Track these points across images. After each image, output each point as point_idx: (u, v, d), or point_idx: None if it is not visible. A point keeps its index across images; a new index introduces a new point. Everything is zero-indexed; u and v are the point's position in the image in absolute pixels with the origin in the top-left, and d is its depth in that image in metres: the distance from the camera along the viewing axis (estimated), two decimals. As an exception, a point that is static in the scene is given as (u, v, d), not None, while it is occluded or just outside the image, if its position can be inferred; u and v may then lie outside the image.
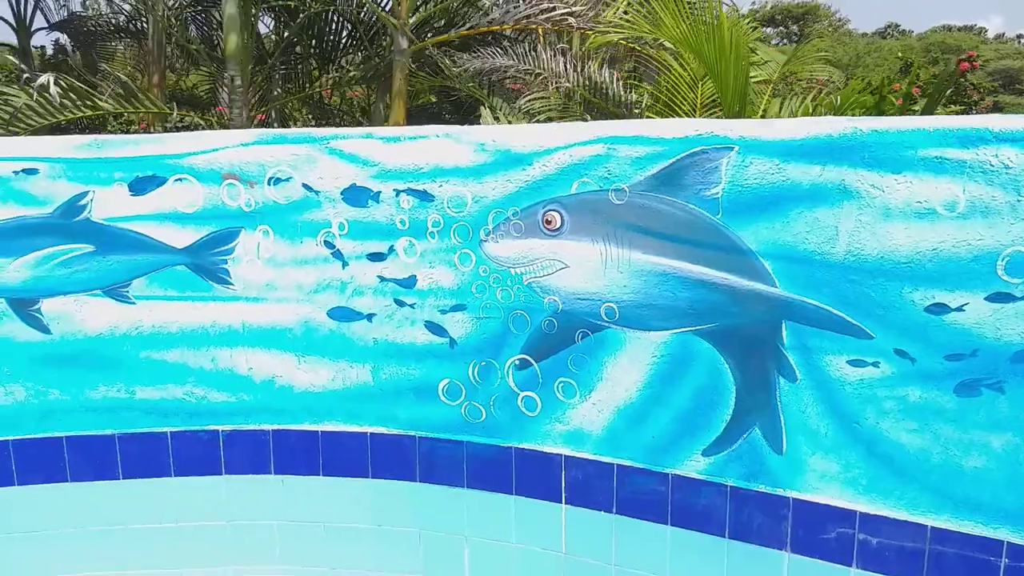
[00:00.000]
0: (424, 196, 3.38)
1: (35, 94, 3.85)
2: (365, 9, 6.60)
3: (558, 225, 3.19)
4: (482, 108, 4.62)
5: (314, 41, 6.55)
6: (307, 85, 7.07)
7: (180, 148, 3.47)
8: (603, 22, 4.49)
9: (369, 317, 3.53)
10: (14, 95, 4.01)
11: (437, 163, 3.36)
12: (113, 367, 3.58)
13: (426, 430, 3.55)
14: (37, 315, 3.52)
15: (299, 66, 7.30)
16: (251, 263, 3.55)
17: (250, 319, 3.59)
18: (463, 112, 7.98)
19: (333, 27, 6.85)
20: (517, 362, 3.35)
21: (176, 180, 3.48)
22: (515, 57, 5.00)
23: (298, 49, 6.77)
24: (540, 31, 5.44)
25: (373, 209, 3.45)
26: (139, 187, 3.47)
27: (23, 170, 3.42)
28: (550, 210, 3.19)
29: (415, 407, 3.54)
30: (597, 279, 3.14)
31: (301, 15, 6.55)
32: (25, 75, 3.83)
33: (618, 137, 3.07)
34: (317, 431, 3.65)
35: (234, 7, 4.81)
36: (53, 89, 3.89)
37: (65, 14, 9.95)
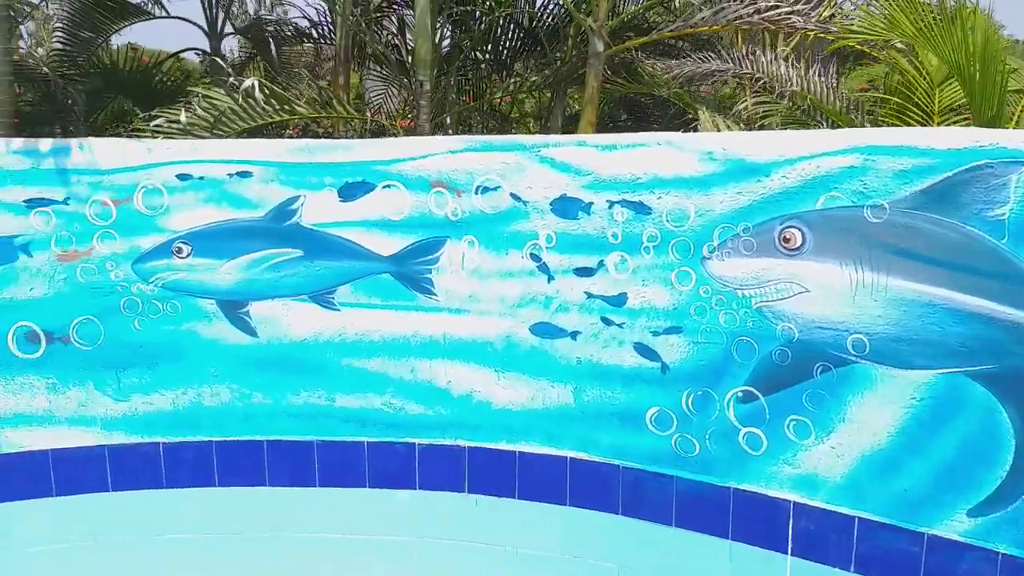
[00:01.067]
0: (640, 208, 3.14)
1: (239, 97, 3.90)
2: (548, 12, 6.45)
3: (798, 244, 2.85)
4: (701, 113, 4.33)
5: (488, 47, 6.47)
6: (482, 92, 7.02)
7: (390, 154, 3.39)
8: (833, 23, 4.11)
9: (573, 335, 3.32)
10: (220, 99, 4.09)
11: (656, 173, 3.11)
12: (315, 373, 3.55)
13: (631, 460, 3.29)
14: (245, 318, 3.54)
15: (471, 73, 7.25)
16: (455, 273, 3.42)
17: (451, 331, 3.46)
18: (639, 118, 7.69)
19: (509, 32, 6.74)
20: (740, 394, 3.03)
21: (385, 187, 3.40)
22: (731, 60, 4.68)
23: (473, 55, 6.70)
24: (738, 32, 5.11)
25: (583, 221, 3.24)
26: (348, 193, 3.42)
27: (237, 173, 3.44)
28: (789, 227, 2.87)
29: (619, 434, 3.29)
30: (844, 307, 2.78)
31: (479, 20, 6.48)
32: (230, 79, 3.93)
33: (878, 147, 2.70)
34: (514, 451, 3.47)
35: (427, 13, 4.76)
36: (258, 93, 3.94)
37: (249, 19, 10.40)
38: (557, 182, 3.26)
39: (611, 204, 3.18)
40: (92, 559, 3.57)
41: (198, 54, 6.81)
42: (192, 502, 3.63)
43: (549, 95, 7.08)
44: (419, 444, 3.56)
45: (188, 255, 3.47)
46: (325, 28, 6.66)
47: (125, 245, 3.45)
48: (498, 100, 7.64)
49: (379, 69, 6.83)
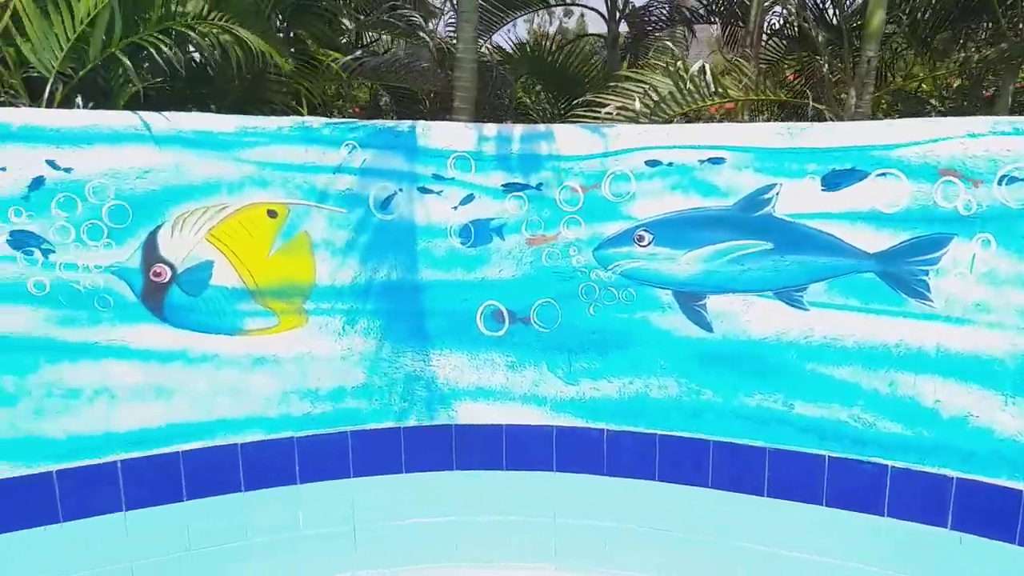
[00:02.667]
0: None
1: (686, 80, 3.71)
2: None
3: None
4: None
5: (905, 16, 5.69)
6: (888, 70, 6.25)
7: (890, 138, 2.99)
8: None
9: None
10: (661, 82, 3.94)
11: None
12: (773, 375, 3.29)
13: None
14: (702, 311, 3.36)
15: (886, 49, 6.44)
16: (960, 277, 2.95)
17: (948, 343, 2.99)
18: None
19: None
20: None
21: (879, 175, 3.01)
22: None
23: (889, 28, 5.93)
24: None
25: None
26: (833, 181, 3.08)
27: (709, 159, 3.25)
28: None
29: None
30: None
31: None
32: (678, 61, 3.81)
33: None
34: (1019, 490, 2.94)
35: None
36: (708, 77, 3.74)
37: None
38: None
39: None
40: (546, 536, 3.67)
41: (600, 38, 6.87)
42: (633, 493, 3.56)
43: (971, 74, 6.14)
44: (892, 466, 3.15)
45: (649, 243, 3.37)
46: (721, 6, 6.34)
47: (589, 232, 3.43)
48: (906, 79, 6.79)
49: (780, 45, 6.36)
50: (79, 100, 3.15)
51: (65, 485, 3.15)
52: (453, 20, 5.93)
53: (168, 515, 3.33)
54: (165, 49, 3.25)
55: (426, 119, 3.62)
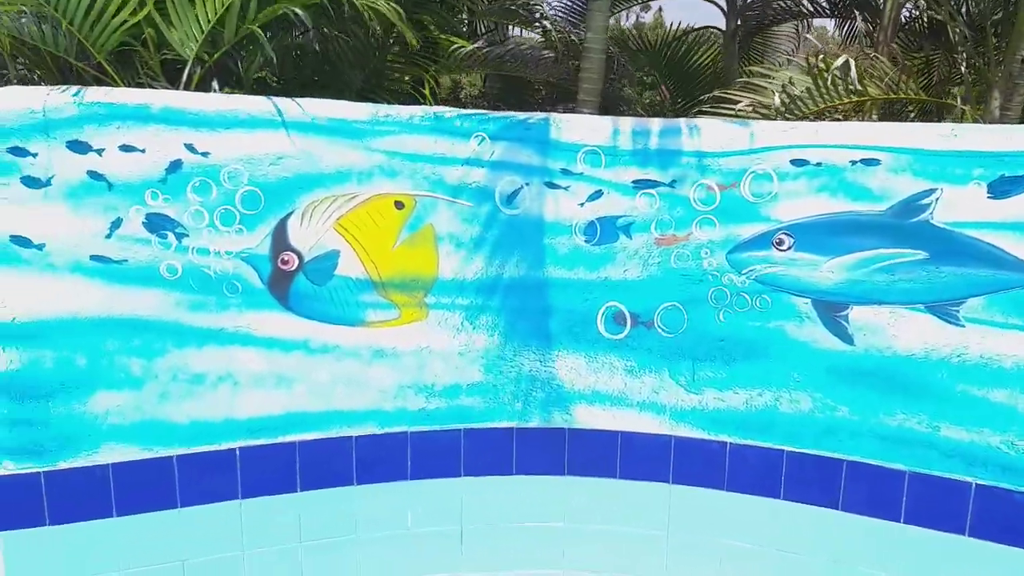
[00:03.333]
0: None
1: (827, 78, 3.51)
2: None
3: None
4: None
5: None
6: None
7: (1071, 143, 2.75)
8: None
9: None
10: (799, 78, 3.74)
11: None
12: (919, 395, 3.08)
13: None
14: (843, 322, 3.17)
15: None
16: None
17: None
18: None
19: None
20: None
21: (1056, 183, 2.78)
22: None
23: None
24: None
25: None
26: (1002, 188, 2.86)
27: (862, 160, 3.06)
28: None
29: None
30: None
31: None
32: (820, 56, 3.62)
33: None
34: None
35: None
36: (853, 73, 3.53)
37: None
38: None
39: None
40: (658, 549, 3.53)
41: (717, 31, 6.65)
42: (755, 510, 3.39)
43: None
44: (1053, 498, 2.91)
45: (789, 248, 3.19)
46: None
47: (723, 233, 3.27)
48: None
49: (906, 42, 6.03)
50: (215, 84, 3.14)
51: (185, 470, 3.15)
52: (557, 6, 5.78)
53: (282, 505, 3.31)
54: (303, 16, 3.16)
55: (536, 111, 3.50)
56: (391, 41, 3.65)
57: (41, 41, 2.86)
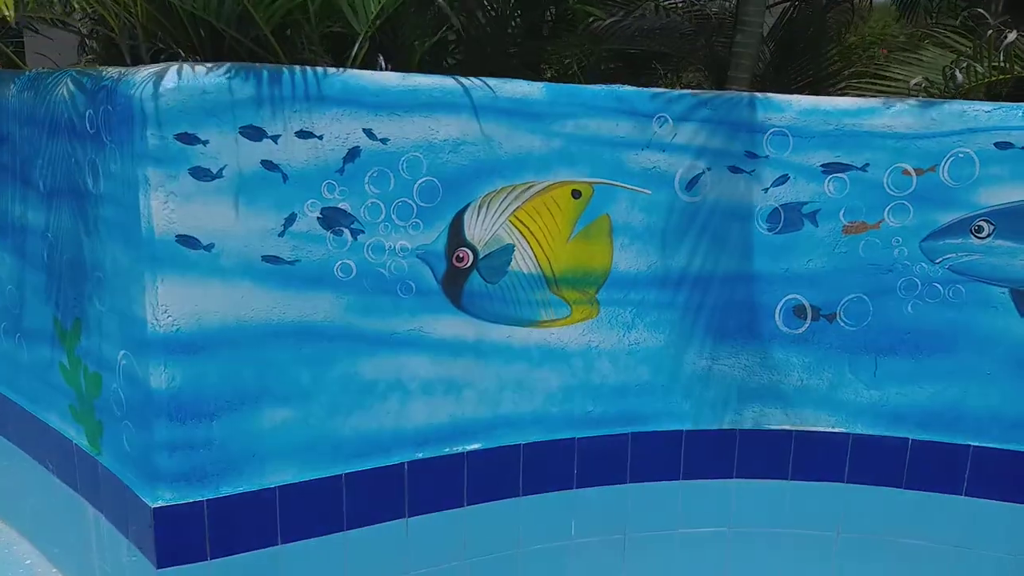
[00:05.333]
0: None
1: (1000, 52, 3.30)
2: None
3: None
4: None
5: None
6: None
7: None
8: None
9: None
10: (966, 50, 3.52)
11: None
12: None
13: None
14: (1046, 312, 3.02)
15: None
16: None
17: None
18: None
19: None
20: None
21: None
22: None
23: None
24: None
25: None
26: None
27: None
28: None
29: None
30: None
31: None
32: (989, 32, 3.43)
33: None
34: None
35: None
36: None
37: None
38: None
39: None
40: (827, 551, 3.37)
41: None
42: (936, 509, 3.25)
43: None
44: None
45: (988, 235, 3.02)
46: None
47: (917, 219, 3.07)
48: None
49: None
50: (381, 60, 2.81)
51: (353, 490, 2.85)
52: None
53: (447, 521, 3.04)
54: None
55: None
56: (518, 14, 3.34)
57: (203, 9, 2.48)
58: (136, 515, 2.68)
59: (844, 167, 3.09)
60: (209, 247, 2.48)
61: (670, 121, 3.01)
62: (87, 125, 2.65)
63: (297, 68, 2.52)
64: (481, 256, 2.89)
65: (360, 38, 2.70)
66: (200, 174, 2.43)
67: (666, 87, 3.59)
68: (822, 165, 3.09)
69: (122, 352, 2.66)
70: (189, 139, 2.40)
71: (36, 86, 2.99)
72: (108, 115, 2.50)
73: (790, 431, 3.32)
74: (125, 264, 2.56)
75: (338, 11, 2.64)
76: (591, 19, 3.81)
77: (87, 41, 3.73)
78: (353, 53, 2.72)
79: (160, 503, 2.57)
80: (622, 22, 3.81)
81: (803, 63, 4.41)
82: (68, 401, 3.09)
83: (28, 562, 3.58)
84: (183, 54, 2.71)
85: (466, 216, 2.84)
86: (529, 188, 2.91)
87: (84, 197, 2.74)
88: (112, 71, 2.54)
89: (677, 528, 3.38)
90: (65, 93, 2.76)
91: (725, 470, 3.36)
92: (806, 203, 3.12)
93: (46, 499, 3.41)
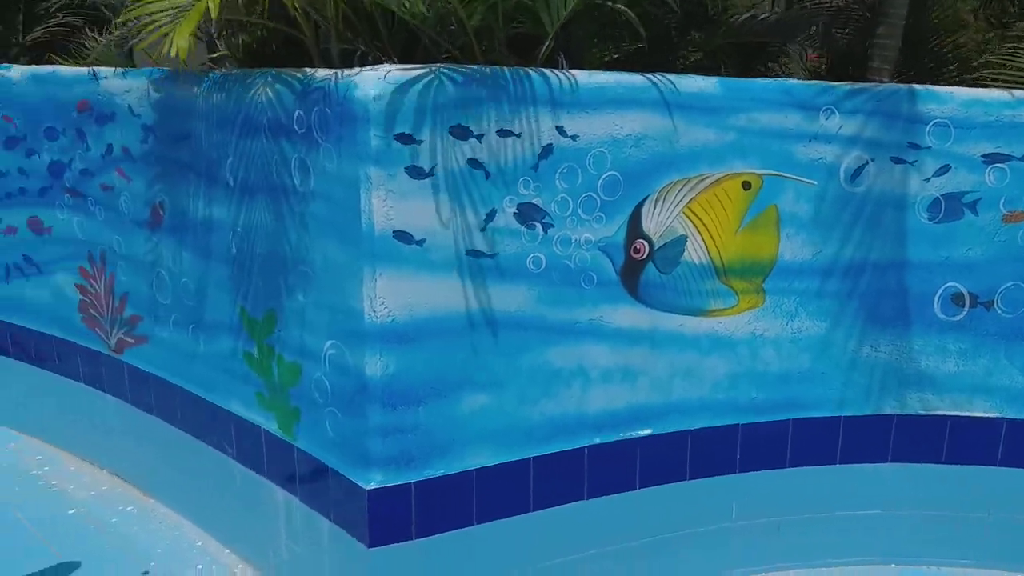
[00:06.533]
0: None
1: None
2: None
3: None
4: None
5: None
6: None
7: None
8: None
9: None
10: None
11: None
12: None
13: None
14: None
15: None
16: None
17: None
18: None
19: None
20: None
21: None
22: None
23: None
24: None
25: None
26: None
27: None
28: None
29: None
30: None
31: None
32: None
33: None
34: None
35: None
36: None
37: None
38: None
39: None
40: (977, 534, 3.43)
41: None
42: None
43: None
44: None
45: None
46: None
47: (1080, 206, 3.13)
48: None
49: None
50: (561, 59, 2.92)
51: (540, 472, 2.98)
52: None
53: (620, 504, 3.16)
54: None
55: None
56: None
57: (411, 15, 2.60)
58: (344, 497, 2.83)
59: (1004, 157, 3.14)
60: (421, 242, 2.62)
61: (836, 113, 3.09)
62: (295, 125, 2.79)
63: (500, 69, 2.64)
64: (656, 247, 3.00)
65: (549, 38, 2.81)
66: (415, 173, 2.57)
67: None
68: (983, 155, 3.15)
69: (329, 342, 2.81)
70: (407, 139, 2.54)
71: (227, 87, 3.14)
72: (324, 116, 2.65)
73: (945, 416, 3.39)
74: (339, 259, 2.70)
75: (528, 11, 2.76)
76: (730, 14, 3.90)
77: (217, 41, 3.76)
78: (542, 52, 2.84)
79: (373, 485, 2.72)
80: (760, 14, 3.90)
81: (932, 53, 4.42)
82: (255, 389, 3.25)
83: (200, 544, 3.74)
84: (375, 56, 2.84)
85: (644, 208, 2.95)
86: (703, 180, 3.01)
87: (287, 194, 2.89)
88: (325, 73, 2.68)
89: (834, 511, 3.46)
90: (267, 94, 2.90)
91: (880, 454, 3.43)
92: (967, 193, 3.18)
93: (221, 483, 3.56)
